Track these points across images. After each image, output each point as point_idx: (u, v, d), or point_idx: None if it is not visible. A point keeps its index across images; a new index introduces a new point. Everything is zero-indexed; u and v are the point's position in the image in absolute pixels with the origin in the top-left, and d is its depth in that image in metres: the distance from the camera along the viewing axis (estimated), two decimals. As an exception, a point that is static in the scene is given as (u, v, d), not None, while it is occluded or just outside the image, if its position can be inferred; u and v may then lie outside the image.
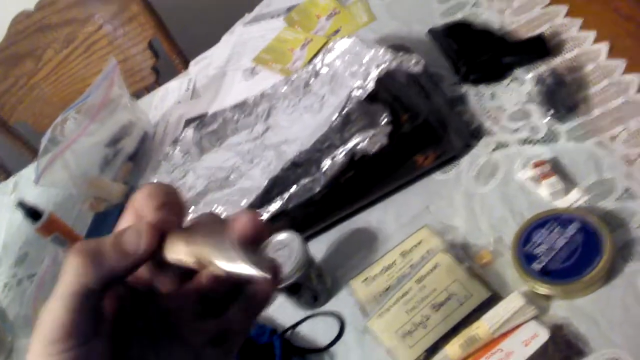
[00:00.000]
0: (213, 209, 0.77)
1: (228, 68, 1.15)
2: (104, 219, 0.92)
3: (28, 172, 1.31)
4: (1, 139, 1.59)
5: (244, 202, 0.76)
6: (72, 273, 0.29)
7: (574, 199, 0.62)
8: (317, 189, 0.74)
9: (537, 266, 0.56)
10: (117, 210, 0.91)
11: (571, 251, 0.56)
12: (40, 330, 0.29)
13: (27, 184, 1.27)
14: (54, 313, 0.29)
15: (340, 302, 0.69)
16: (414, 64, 0.75)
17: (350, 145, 0.73)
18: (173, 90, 1.21)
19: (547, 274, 0.56)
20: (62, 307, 0.29)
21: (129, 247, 0.30)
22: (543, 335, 0.53)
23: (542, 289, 0.56)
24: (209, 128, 0.93)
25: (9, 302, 1.00)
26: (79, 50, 1.47)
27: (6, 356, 0.90)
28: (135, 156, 1.09)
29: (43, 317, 0.29)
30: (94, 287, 0.29)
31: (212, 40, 1.24)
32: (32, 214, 0.92)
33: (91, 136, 0.99)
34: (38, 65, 1.51)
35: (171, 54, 1.44)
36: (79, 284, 0.29)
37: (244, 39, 1.19)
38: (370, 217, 0.74)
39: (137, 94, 1.37)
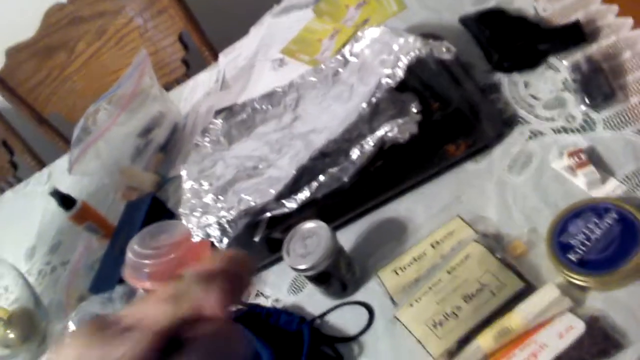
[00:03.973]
0: (242, 197, 0.78)
1: (257, 59, 1.15)
2: (136, 208, 0.93)
3: (62, 163, 1.33)
4: (35, 130, 1.62)
5: (272, 191, 0.76)
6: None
7: (610, 188, 0.60)
8: (346, 179, 0.73)
9: (572, 257, 0.55)
10: (149, 199, 0.92)
11: (608, 242, 0.55)
12: None
13: (61, 174, 1.30)
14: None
15: (369, 292, 0.68)
16: (445, 51, 0.73)
17: (379, 134, 0.73)
18: (203, 81, 1.22)
19: (583, 265, 0.54)
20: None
21: None
22: (579, 328, 0.52)
23: (578, 280, 0.54)
24: (237, 118, 0.94)
25: (43, 288, 1.03)
26: (111, 43, 1.49)
27: (40, 341, 0.92)
28: (166, 146, 1.10)
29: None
30: None
31: (241, 32, 1.25)
32: (66, 202, 0.94)
33: (123, 126, 1.00)
34: (71, 57, 1.53)
35: (201, 46, 1.44)
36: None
37: (272, 30, 1.19)
38: (400, 207, 0.74)
39: (168, 86, 1.38)
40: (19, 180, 1.50)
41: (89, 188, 1.17)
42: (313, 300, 0.71)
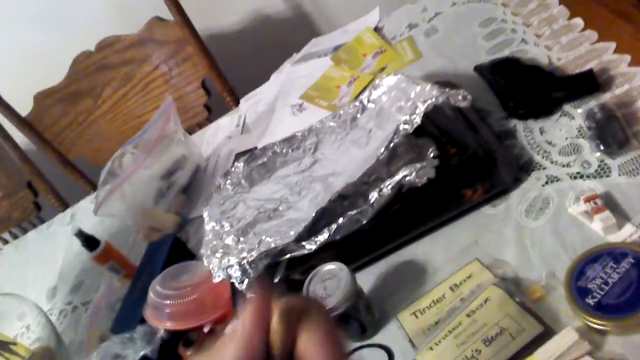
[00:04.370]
0: (262, 239, 0.79)
1: (277, 104, 1.18)
2: (158, 249, 0.95)
3: (85, 204, 1.36)
4: (60, 172, 1.66)
5: (292, 233, 0.77)
6: None
7: (627, 233, 0.61)
8: (365, 221, 0.75)
9: (590, 301, 0.56)
10: (170, 240, 0.94)
11: (625, 286, 0.55)
12: None
13: (84, 214, 1.33)
14: None
15: (388, 335, 0.69)
16: (461, 98, 0.76)
17: (397, 178, 0.74)
18: (224, 126, 1.26)
19: (601, 309, 0.55)
20: None
21: None
22: (599, 372, 0.52)
23: (596, 324, 0.54)
24: (258, 161, 0.96)
25: (64, 328, 1.04)
26: (136, 89, 1.55)
27: (61, 380, 0.92)
28: (188, 188, 1.12)
29: None
30: None
31: (261, 78, 1.29)
32: (90, 242, 0.96)
33: (147, 169, 1.03)
34: (97, 102, 1.59)
35: (222, 91, 1.49)
36: None
37: (292, 77, 1.23)
38: (419, 250, 0.75)
39: (190, 130, 1.43)
40: (42, 221, 1.53)
41: (111, 229, 1.20)
42: (332, 343, 0.71)
